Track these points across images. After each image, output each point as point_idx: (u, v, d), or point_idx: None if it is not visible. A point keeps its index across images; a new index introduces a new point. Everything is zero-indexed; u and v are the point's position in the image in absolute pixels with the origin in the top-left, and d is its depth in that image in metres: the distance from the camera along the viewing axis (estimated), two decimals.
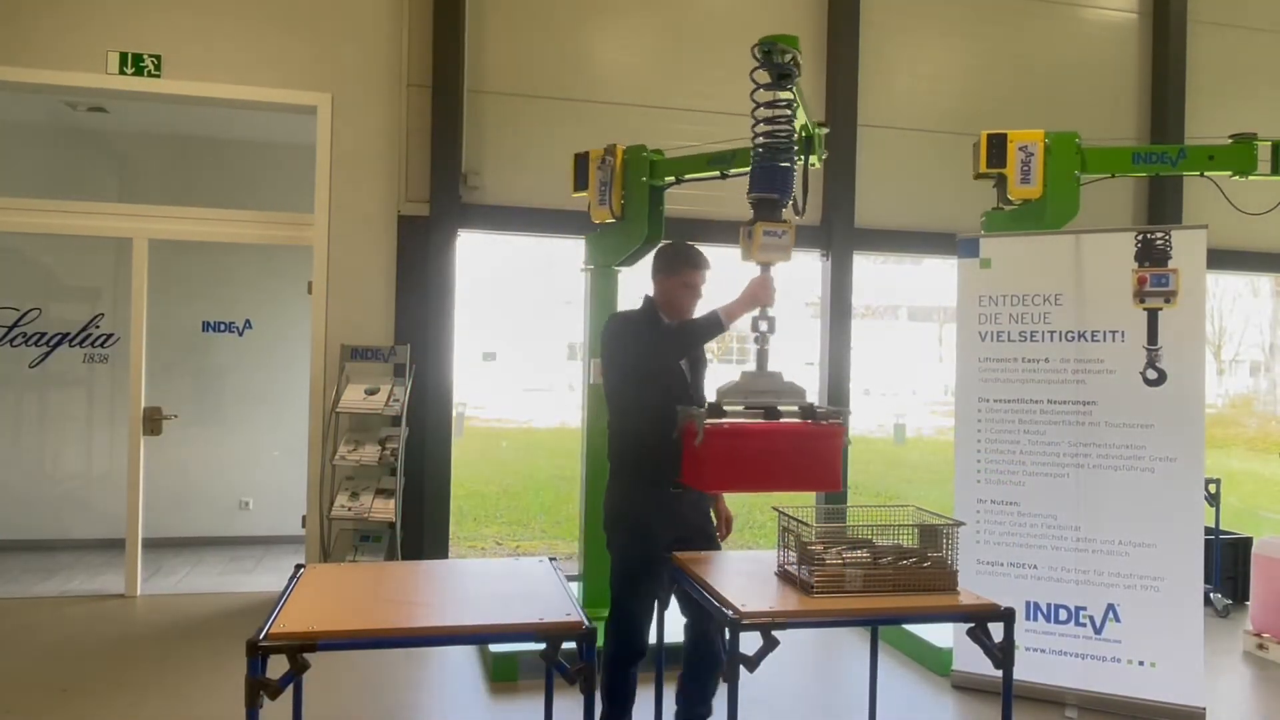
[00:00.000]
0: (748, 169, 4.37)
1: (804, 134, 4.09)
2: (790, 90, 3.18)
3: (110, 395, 7.14)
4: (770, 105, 3.17)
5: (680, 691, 3.48)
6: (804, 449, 2.94)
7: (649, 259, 3.59)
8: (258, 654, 2.20)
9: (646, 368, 3.33)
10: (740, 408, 3.00)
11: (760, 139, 3.19)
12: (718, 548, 3.48)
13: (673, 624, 3.39)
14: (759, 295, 3.12)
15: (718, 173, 4.51)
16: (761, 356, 3.09)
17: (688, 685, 3.47)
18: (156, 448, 5.97)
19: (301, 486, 5.91)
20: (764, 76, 3.18)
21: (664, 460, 3.19)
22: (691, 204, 5.93)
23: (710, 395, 3.17)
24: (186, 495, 7.15)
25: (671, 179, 4.67)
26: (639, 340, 3.35)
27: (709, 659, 3.36)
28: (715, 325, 3.18)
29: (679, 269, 3.41)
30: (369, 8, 5.84)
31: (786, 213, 3.22)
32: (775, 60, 3.12)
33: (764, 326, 3.14)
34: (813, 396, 3.16)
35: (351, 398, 5.58)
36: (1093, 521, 4.25)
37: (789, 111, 3.19)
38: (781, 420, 2.97)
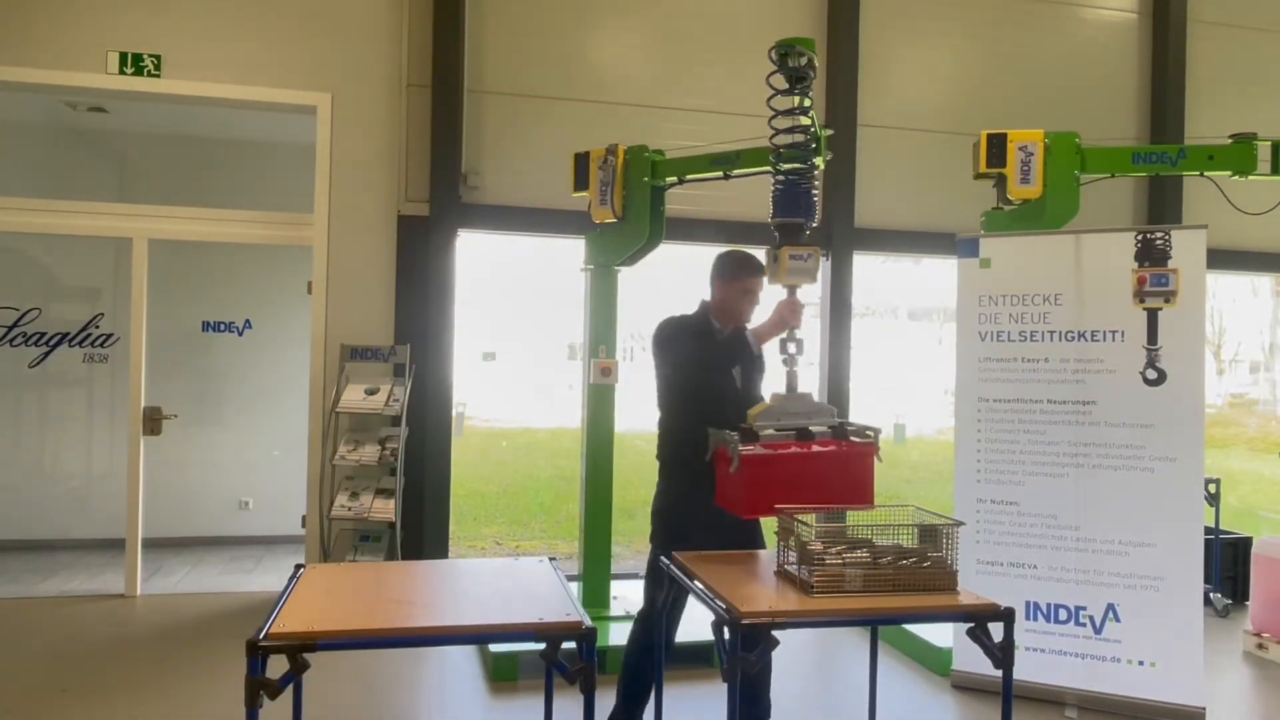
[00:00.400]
0: (751, 170, 4.40)
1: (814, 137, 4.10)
2: (807, 97, 3.19)
3: (110, 395, 7.14)
4: (788, 114, 3.18)
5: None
6: (837, 470, 2.99)
7: (709, 264, 3.60)
8: (258, 654, 2.20)
9: (683, 377, 3.41)
10: (772, 431, 3.03)
11: (782, 162, 3.19)
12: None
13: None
14: (787, 318, 3.18)
15: (720, 174, 4.51)
16: (791, 378, 3.14)
17: (744, 693, 3.51)
18: (156, 448, 5.97)
19: (301, 486, 5.91)
20: (780, 82, 3.19)
21: (701, 464, 3.23)
22: (691, 204, 5.93)
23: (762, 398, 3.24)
24: (186, 495, 7.15)
25: (673, 179, 4.67)
26: (679, 350, 3.42)
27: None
28: (743, 346, 3.27)
29: (739, 275, 3.45)
30: (369, 8, 5.84)
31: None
32: (791, 65, 3.13)
33: (793, 349, 3.19)
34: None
35: (351, 397, 5.58)
36: (1092, 521, 4.24)
37: (810, 130, 3.20)
38: (813, 442, 3.00)
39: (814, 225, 3.25)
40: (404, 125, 5.88)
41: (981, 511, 4.44)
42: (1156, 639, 4.12)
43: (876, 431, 3.01)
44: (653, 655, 3.41)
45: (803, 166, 3.19)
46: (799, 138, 3.19)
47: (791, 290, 3.19)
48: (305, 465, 5.83)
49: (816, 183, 3.24)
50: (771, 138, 3.26)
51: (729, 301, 3.45)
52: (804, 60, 3.13)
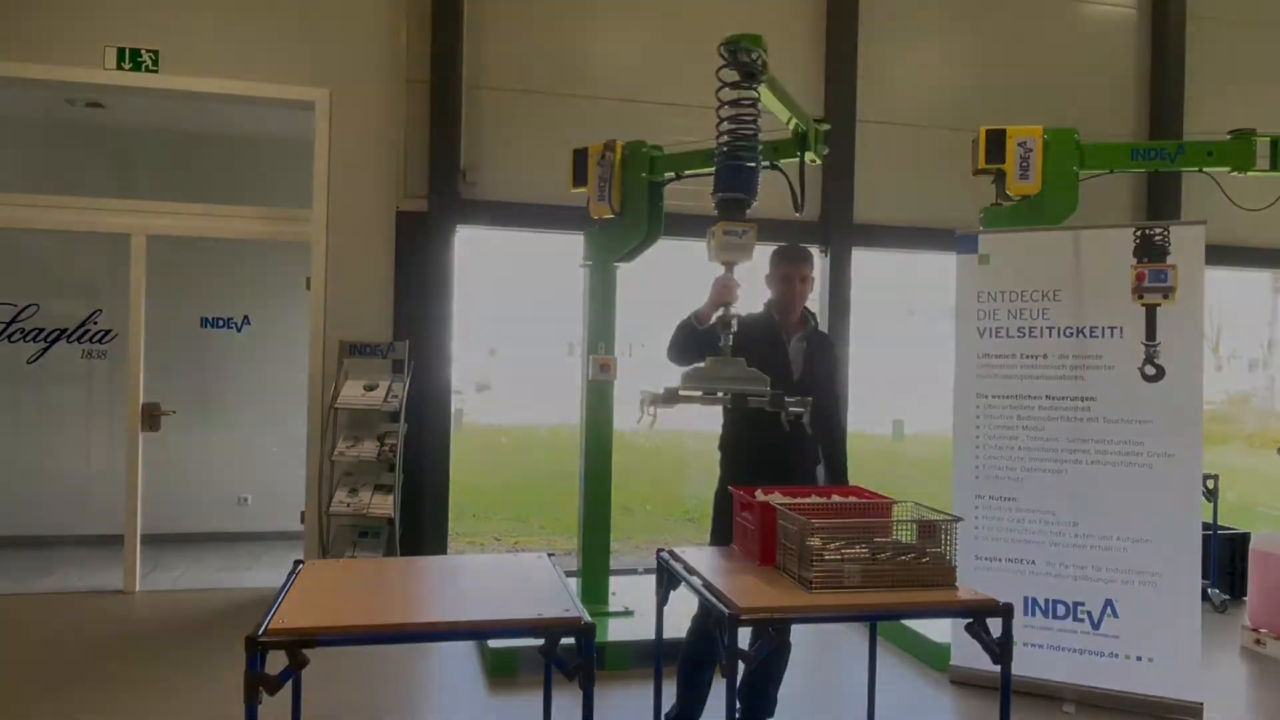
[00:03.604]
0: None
1: (797, 132, 4.09)
2: (755, 89, 3.18)
3: (108, 391, 7.13)
4: (734, 105, 3.17)
5: (741, 692, 3.56)
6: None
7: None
8: (257, 650, 2.19)
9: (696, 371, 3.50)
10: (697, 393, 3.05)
11: (725, 139, 3.19)
12: None
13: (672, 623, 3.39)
14: (722, 294, 3.20)
15: None
16: (725, 349, 3.14)
17: (750, 687, 3.57)
18: (155, 444, 5.96)
19: (300, 482, 5.91)
20: (730, 75, 3.21)
21: (737, 459, 3.32)
22: (689, 200, 5.91)
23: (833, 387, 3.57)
24: (185, 491, 7.14)
25: (671, 175, 4.66)
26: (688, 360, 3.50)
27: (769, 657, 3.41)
28: (687, 326, 3.33)
29: (772, 264, 3.64)
30: (368, 4, 5.83)
31: (776, 212, 3.25)
32: (741, 60, 3.17)
33: (724, 326, 3.18)
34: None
35: (350, 393, 5.58)
36: (1091, 517, 4.25)
37: (753, 110, 3.20)
38: (833, 491, 3.09)
39: (754, 202, 3.20)
40: (403, 121, 5.87)
41: (980, 507, 4.44)
42: (1154, 634, 4.13)
43: (809, 403, 3.02)
44: (703, 655, 3.47)
45: (745, 140, 3.15)
46: (745, 126, 3.16)
47: (728, 267, 3.18)
48: (304, 461, 5.83)
49: (761, 160, 3.22)
50: (718, 125, 3.21)
51: (773, 292, 3.62)
52: (753, 57, 3.17)
